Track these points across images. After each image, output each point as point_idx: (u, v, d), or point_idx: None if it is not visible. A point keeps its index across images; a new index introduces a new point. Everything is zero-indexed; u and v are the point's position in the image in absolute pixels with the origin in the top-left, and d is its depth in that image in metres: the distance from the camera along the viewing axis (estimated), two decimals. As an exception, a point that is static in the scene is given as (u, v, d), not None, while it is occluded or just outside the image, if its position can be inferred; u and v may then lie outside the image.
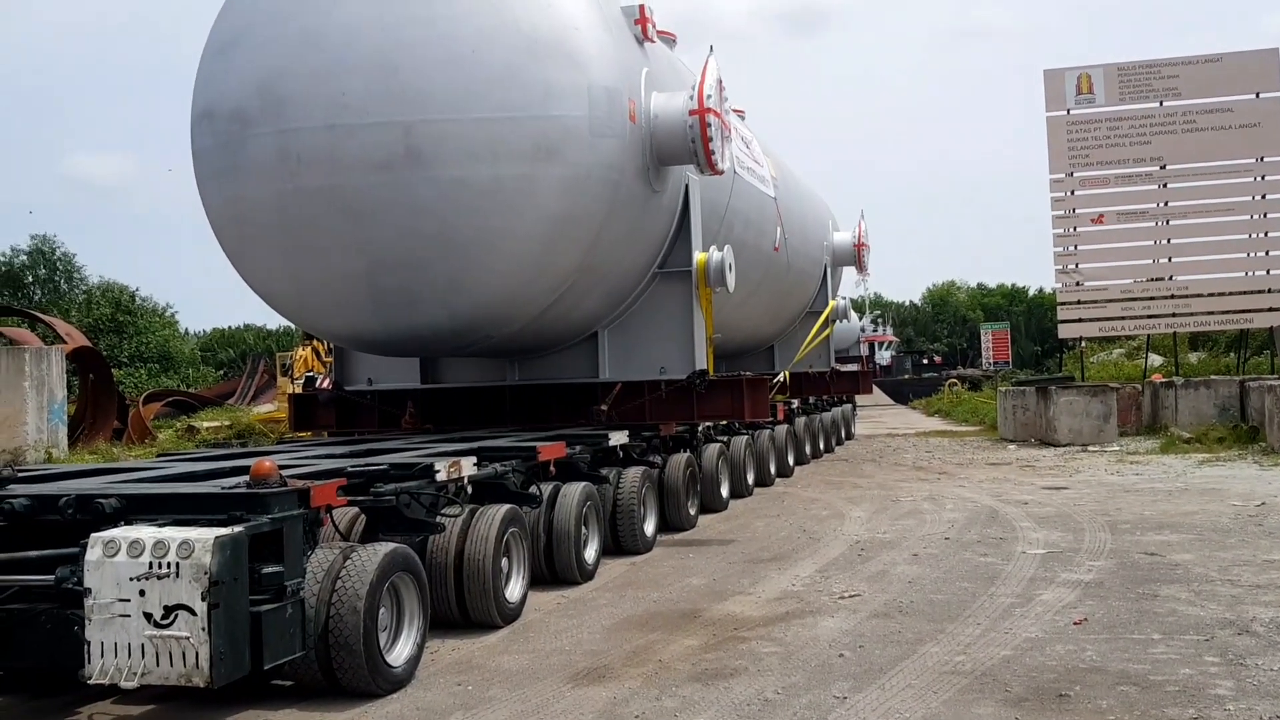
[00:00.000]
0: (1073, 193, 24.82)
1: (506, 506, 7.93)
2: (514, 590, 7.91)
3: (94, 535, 5.16)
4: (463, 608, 7.46)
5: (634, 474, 10.67)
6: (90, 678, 5.01)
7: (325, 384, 13.76)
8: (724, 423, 14.48)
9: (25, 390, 21.14)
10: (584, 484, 9.45)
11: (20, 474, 6.93)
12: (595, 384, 11.63)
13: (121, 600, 4.99)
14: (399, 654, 6.26)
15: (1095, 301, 25.07)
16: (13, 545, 5.70)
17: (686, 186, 11.32)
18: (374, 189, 9.06)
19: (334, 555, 6.02)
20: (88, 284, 60.50)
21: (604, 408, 11.53)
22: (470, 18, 9.02)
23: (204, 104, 9.64)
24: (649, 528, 10.85)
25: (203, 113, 9.64)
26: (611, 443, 10.59)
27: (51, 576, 5.33)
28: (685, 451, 12.56)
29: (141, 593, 4.96)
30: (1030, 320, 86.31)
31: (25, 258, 60.60)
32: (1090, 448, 20.88)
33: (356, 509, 7.30)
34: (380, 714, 5.80)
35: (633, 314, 11.53)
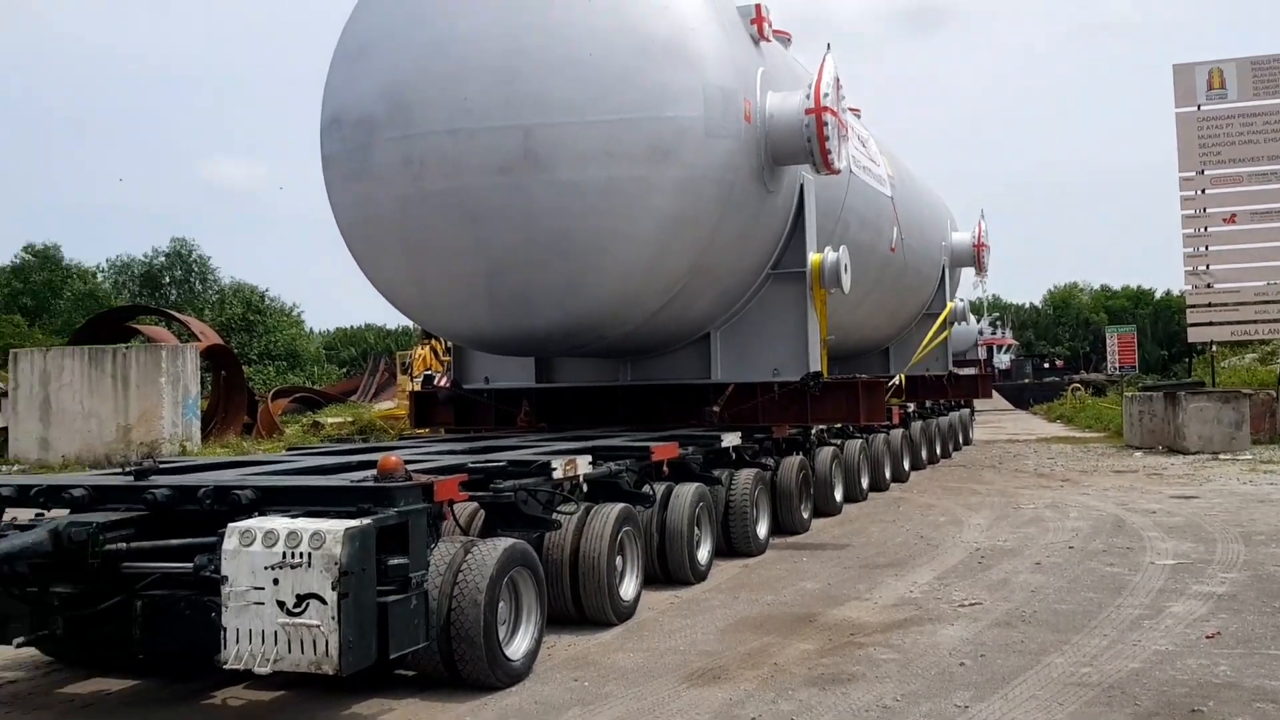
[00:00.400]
0: (1203, 191, 23.82)
1: (621, 505, 7.99)
2: (628, 588, 7.96)
3: (231, 525, 5.35)
4: (578, 604, 7.55)
5: (747, 475, 10.63)
6: (226, 663, 5.19)
7: (443, 382, 14.05)
8: (838, 426, 14.32)
9: (162, 386, 22.20)
10: (697, 485, 9.46)
11: (161, 465, 7.28)
12: (707, 385, 11.62)
13: (256, 588, 5.15)
14: (517, 648, 6.36)
15: (1226, 304, 24.00)
16: (154, 534, 5.98)
17: (801, 186, 11.24)
18: (493, 192, 9.24)
19: (455, 549, 6.16)
20: (220, 284, 63.14)
21: (716, 409, 11.51)
22: (588, 22, 9.12)
23: (333, 110, 9.97)
24: (762, 530, 10.80)
25: (332, 119, 9.97)
26: (724, 444, 10.57)
27: (190, 564, 5.55)
28: (798, 454, 12.46)
29: (275, 581, 5.13)
30: (1157, 323, 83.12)
31: (164, 259, 63.58)
32: (1221, 456, 20.00)
33: (476, 504, 7.44)
34: (499, 707, 5.90)
35: (746, 315, 11.49)
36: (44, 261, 63.96)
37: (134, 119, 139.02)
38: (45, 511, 6.36)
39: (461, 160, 9.27)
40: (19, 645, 6.03)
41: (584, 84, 9.06)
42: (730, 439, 10.71)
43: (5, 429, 23.16)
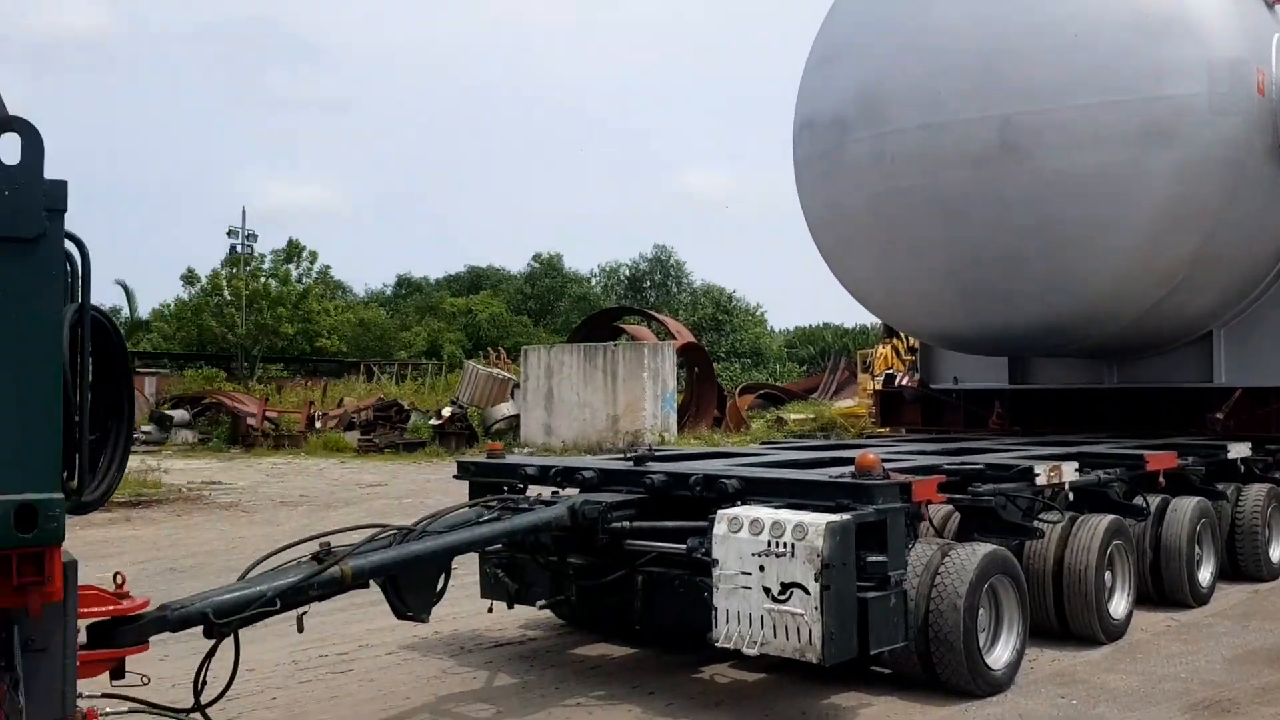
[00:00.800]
0: None
1: (1110, 517, 7.47)
2: (1118, 606, 7.42)
3: (720, 512, 5.68)
4: (1061, 618, 7.15)
5: (1258, 491, 9.47)
6: (718, 641, 5.52)
7: (905, 381, 13.92)
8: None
9: (644, 380, 24.13)
10: (1197, 499, 8.59)
11: (656, 453, 7.92)
12: (1208, 389, 10.50)
13: (744, 573, 5.43)
14: (998, 657, 6.16)
15: None
16: (648, 515, 6.50)
17: (1331, 163, 9.79)
18: (967, 184, 9.03)
19: (933, 551, 6.09)
20: (693, 286, 67.58)
21: (1220, 416, 10.35)
22: (1073, 1, 8.61)
23: (805, 115, 10.28)
24: (1275, 553, 9.56)
25: (804, 123, 10.27)
26: (1230, 455, 9.48)
27: (683, 545, 5.97)
28: (1322, 470, 10.86)
29: (761, 568, 5.37)
30: None
31: (646, 264, 69.45)
32: None
33: (950, 507, 7.30)
34: (980, 715, 5.75)
35: (1257, 311, 10.28)
36: (548, 269, 72.30)
37: (622, 137, 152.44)
38: (559, 490, 7.17)
39: (934, 154, 9.15)
40: (540, 607, 6.88)
41: (1068, 67, 8.58)
42: (1238, 450, 9.58)
43: (517, 416, 26.36)
